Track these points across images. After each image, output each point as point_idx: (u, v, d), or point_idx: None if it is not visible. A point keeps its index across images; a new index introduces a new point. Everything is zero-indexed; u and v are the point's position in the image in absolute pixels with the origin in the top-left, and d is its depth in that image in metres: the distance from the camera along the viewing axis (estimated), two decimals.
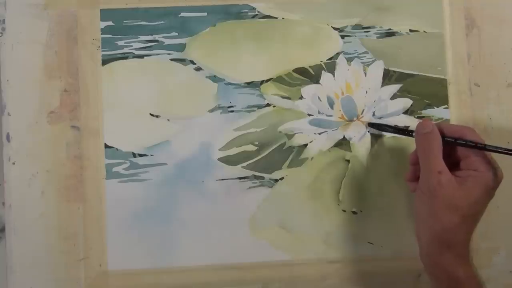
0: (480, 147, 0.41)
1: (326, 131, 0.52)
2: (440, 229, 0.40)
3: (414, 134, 0.45)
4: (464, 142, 0.42)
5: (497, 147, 0.41)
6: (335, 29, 0.53)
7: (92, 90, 0.52)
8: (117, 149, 0.51)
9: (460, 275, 0.40)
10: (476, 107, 0.53)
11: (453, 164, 0.43)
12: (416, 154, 0.44)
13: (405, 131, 0.48)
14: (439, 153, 0.41)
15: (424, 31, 0.54)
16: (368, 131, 0.52)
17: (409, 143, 0.52)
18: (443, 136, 0.42)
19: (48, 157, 0.51)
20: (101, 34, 0.52)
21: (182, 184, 0.51)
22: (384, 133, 0.52)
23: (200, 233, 0.51)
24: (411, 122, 0.53)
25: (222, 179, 0.52)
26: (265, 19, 0.53)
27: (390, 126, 0.50)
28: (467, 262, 0.41)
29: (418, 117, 0.53)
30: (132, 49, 0.52)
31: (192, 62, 0.52)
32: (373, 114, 0.53)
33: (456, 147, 0.43)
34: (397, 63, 0.53)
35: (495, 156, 0.42)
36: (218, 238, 0.51)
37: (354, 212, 0.52)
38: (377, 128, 0.51)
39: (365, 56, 0.53)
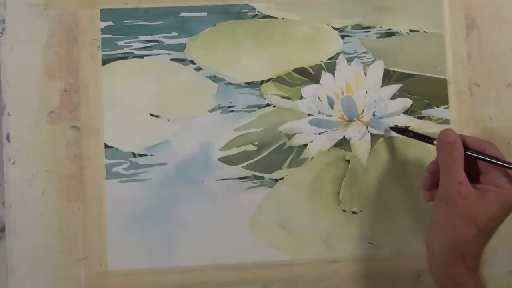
0: (503, 165, 0.41)
1: (326, 131, 0.52)
2: (456, 239, 0.40)
3: (435, 142, 0.44)
4: (487, 158, 0.42)
5: None
6: (335, 29, 0.53)
7: (92, 90, 0.52)
8: (117, 149, 0.51)
9: (470, 287, 0.40)
10: (476, 107, 0.53)
11: (472, 177, 0.42)
12: (435, 163, 0.43)
13: (426, 137, 0.47)
14: (461, 163, 0.41)
15: (424, 31, 0.54)
16: (368, 131, 0.52)
17: (410, 143, 0.52)
18: (465, 148, 0.42)
19: (48, 157, 0.51)
20: (101, 34, 0.52)
21: (182, 184, 0.51)
22: (396, 135, 0.52)
23: (200, 233, 0.51)
24: (411, 122, 0.53)
25: (222, 179, 0.52)
26: (265, 19, 0.53)
27: (411, 131, 0.50)
28: (478, 276, 0.40)
29: (418, 117, 0.53)
30: (132, 49, 0.52)
31: (192, 62, 0.52)
32: (373, 114, 0.53)
33: (476, 161, 0.43)
34: (397, 63, 0.53)
35: None
36: (218, 238, 0.51)
37: (354, 212, 0.52)
38: (398, 132, 0.51)
39: (365, 56, 0.53)
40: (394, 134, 0.52)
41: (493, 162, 0.41)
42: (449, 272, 0.40)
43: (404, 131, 0.50)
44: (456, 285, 0.40)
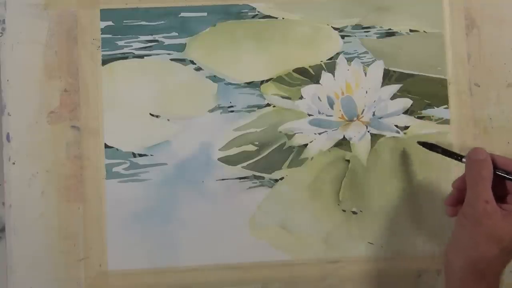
0: None
1: (326, 131, 0.52)
2: (478, 257, 0.40)
3: (463, 159, 0.44)
4: None
5: None
6: (335, 29, 0.53)
7: (92, 90, 0.52)
8: (117, 149, 0.51)
9: None
10: (476, 107, 0.53)
11: (499, 197, 0.42)
12: (462, 180, 0.43)
13: (454, 154, 0.47)
14: (489, 182, 0.41)
15: (424, 31, 0.54)
16: (368, 131, 0.52)
17: (409, 143, 0.52)
18: (494, 167, 0.42)
19: (48, 157, 0.51)
20: (101, 34, 0.52)
21: (182, 184, 0.51)
22: (386, 134, 0.52)
23: (200, 233, 0.51)
24: (411, 122, 0.53)
25: (222, 179, 0.51)
26: (265, 19, 0.53)
27: (440, 147, 0.48)
28: None
29: (418, 117, 0.53)
30: (132, 49, 0.52)
31: (192, 62, 0.52)
32: (373, 114, 0.53)
33: (504, 181, 0.43)
34: (397, 63, 0.53)
35: None
36: (218, 238, 0.51)
37: (354, 212, 0.52)
38: (426, 148, 0.49)
39: (365, 56, 0.53)
40: (394, 134, 0.52)
41: None
42: (468, 287, 0.40)
43: (432, 146, 0.49)
44: None
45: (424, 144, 0.49)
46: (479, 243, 0.40)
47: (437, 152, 0.48)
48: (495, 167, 0.42)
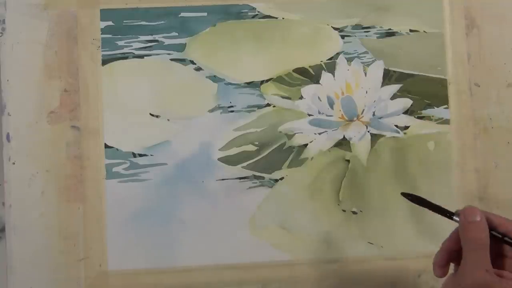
0: None
1: (326, 131, 0.52)
2: None
3: (455, 217, 0.40)
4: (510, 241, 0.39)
5: None
6: (335, 29, 0.53)
7: (92, 90, 0.52)
8: (117, 149, 0.51)
9: None
10: (476, 107, 0.53)
11: (494, 256, 0.40)
12: (453, 241, 0.41)
13: (444, 210, 0.41)
14: (487, 247, 0.38)
15: (424, 31, 0.54)
16: (368, 131, 0.52)
17: (410, 143, 0.52)
18: (490, 229, 0.39)
19: (48, 157, 0.51)
20: (101, 34, 0.52)
21: (182, 184, 0.51)
22: (397, 134, 0.52)
23: (200, 233, 0.51)
24: (411, 122, 0.53)
25: (222, 179, 0.51)
26: (265, 19, 0.53)
27: (427, 202, 0.42)
28: None
29: (418, 117, 0.53)
30: (132, 49, 0.52)
31: (192, 62, 0.52)
32: (373, 114, 0.53)
33: (498, 241, 0.40)
34: (397, 63, 0.53)
35: None
36: (218, 238, 0.51)
37: (354, 212, 0.52)
38: (413, 201, 0.42)
39: (365, 56, 0.53)
40: (394, 134, 0.52)
41: None
42: None
43: (416, 200, 0.42)
44: None
45: (407, 196, 0.42)
46: None
47: (424, 206, 0.42)
48: (491, 228, 0.39)
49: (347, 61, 0.53)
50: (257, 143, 0.52)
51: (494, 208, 0.52)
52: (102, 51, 0.52)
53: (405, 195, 0.42)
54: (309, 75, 0.53)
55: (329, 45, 0.53)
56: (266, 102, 0.52)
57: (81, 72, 0.52)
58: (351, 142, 0.52)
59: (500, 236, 0.39)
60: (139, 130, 0.52)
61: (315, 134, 0.52)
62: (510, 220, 0.40)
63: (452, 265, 0.41)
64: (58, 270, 0.50)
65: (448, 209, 0.41)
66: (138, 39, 0.52)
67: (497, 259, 0.40)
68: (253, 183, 0.52)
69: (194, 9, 0.53)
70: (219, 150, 0.52)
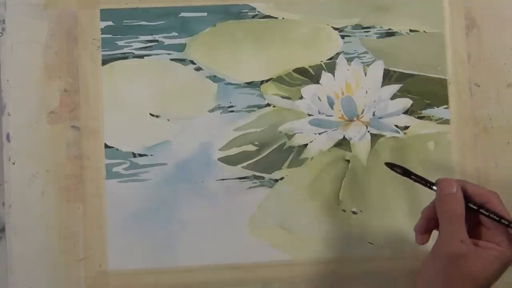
0: (504, 223, 0.39)
1: (326, 131, 0.52)
2: None
3: (434, 187, 0.41)
4: (488, 214, 0.39)
5: None
6: (335, 29, 0.53)
7: (92, 90, 0.52)
8: (117, 149, 0.51)
9: None
10: (476, 107, 0.53)
11: (472, 226, 0.40)
12: (432, 209, 0.41)
13: (425, 180, 0.42)
14: (463, 219, 0.39)
15: (424, 31, 0.54)
16: (368, 131, 0.52)
17: (410, 143, 0.52)
18: (466, 200, 0.40)
19: (48, 157, 0.51)
20: (101, 34, 0.52)
21: (182, 184, 0.51)
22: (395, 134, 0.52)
23: (200, 233, 0.51)
24: (411, 122, 0.53)
25: (222, 179, 0.51)
26: (265, 19, 0.53)
27: (411, 172, 0.43)
28: None
29: (418, 117, 0.53)
30: (132, 49, 0.52)
31: (192, 62, 0.52)
32: (373, 114, 0.53)
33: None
34: (397, 63, 0.53)
35: None
36: (218, 238, 0.51)
37: (354, 212, 0.52)
38: (397, 171, 0.43)
39: (365, 56, 0.53)
40: (394, 134, 0.52)
41: (495, 219, 0.39)
42: None
43: (398, 169, 0.43)
44: None
45: (390, 165, 0.43)
46: (454, 284, 0.38)
47: (408, 177, 0.43)
48: (467, 198, 0.40)
49: (347, 61, 0.53)
50: (257, 143, 0.52)
51: None
52: (102, 51, 0.52)
53: (388, 165, 0.43)
54: (309, 75, 0.53)
55: (329, 45, 0.53)
56: (266, 102, 0.52)
57: (81, 72, 0.52)
58: (351, 142, 0.52)
59: (475, 208, 0.39)
60: (139, 130, 0.52)
61: (315, 134, 0.52)
62: (487, 190, 0.40)
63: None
64: (58, 270, 0.50)
65: (430, 180, 0.41)
66: (138, 39, 0.52)
67: (474, 229, 0.40)
68: (253, 183, 0.52)
69: (194, 9, 0.53)
70: (219, 150, 0.52)
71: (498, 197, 0.40)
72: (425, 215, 0.43)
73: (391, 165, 0.43)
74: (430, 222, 0.42)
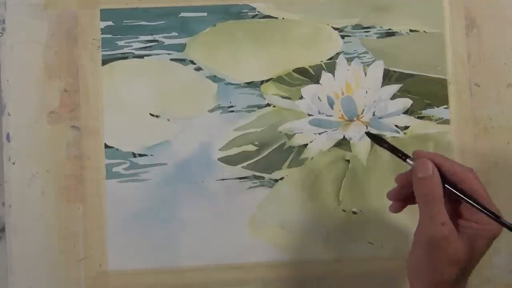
0: (477, 207, 0.38)
1: (326, 131, 0.52)
2: (440, 281, 0.38)
3: (408, 160, 0.41)
4: (462, 196, 0.38)
5: (497, 217, 0.38)
6: (335, 29, 0.53)
7: (92, 90, 0.52)
8: (117, 149, 0.51)
9: None
10: (476, 107, 0.53)
11: (452, 203, 0.40)
12: (406, 176, 0.41)
13: (400, 152, 0.42)
14: (441, 200, 0.38)
15: (424, 31, 0.54)
16: (368, 131, 0.52)
17: (410, 143, 0.52)
18: (443, 180, 0.39)
19: (48, 157, 0.51)
20: (101, 34, 0.52)
21: (182, 184, 0.51)
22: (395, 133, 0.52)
23: (200, 233, 0.51)
24: (411, 122, 0.53)
25: (222, 179, 0.51)
26: (265, 19, 0.53)
27: (387, 143, 0.43)
28: None
29: (418, 117, 0.53)
30: (132, 49, 0.52)
31: (192, 62, 0.52)
32: (373, 114, 0.53)
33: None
34: (397, 63, 0.53)
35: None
36: (218, 238, 0.51)
37: (354, 212, 0.52)
38: (375, 141, 0.44)
39: (365, 56, 0.53)
40: (394, 134, 0.52)
41: (468, 202, 0.38)
42: None
43: (379, 140, 0.44)
44: None
45: (372, 137, 0.45)
46: (439, 267, 0.38)
47: (383, 147, 0.43)
48: (444, 178, 0.39)
49: (347, 61, 0.53)
50: (257, 143, 0.52)
51: None
52: (102, 51, 0.52)
53: (367, 134, 0.45)
54: (309, 75, 0.53)
55: (329, 45, 0.53)
56: (266, 102, 0.52)
57: (81, 72, 0.52)
58: (351, 142, 0.52)
59: (451, 189, 0.38)
60: (139, 130, 0.52)
61: (315, 134, 0.52)
62: (463, 168, 0.39)
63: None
64: (58, 270, 0.50)
65: (406, 153, 0.41)
66: (138, 39, 0.52)
67: (455, 207, 0.40)
68: (253, 183, 0.52)
69: (194, 9, 0.53)
70: (219, 150, 0.52)
71: (474, 174, 0.39)
72: (399, 182, 0.42)
73: (368, 134, 0.45)
74: (403, 190, 0.41)
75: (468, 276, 0.39)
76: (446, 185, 0.38)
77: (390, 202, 0.44)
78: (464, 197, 0.38)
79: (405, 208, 0.52)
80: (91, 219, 0.51)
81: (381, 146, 0.43)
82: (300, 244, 0.51)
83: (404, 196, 0.41)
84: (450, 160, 0.40)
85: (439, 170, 0.39)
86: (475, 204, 0.38)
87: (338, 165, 0.52)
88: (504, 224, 0.37)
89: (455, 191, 0.39)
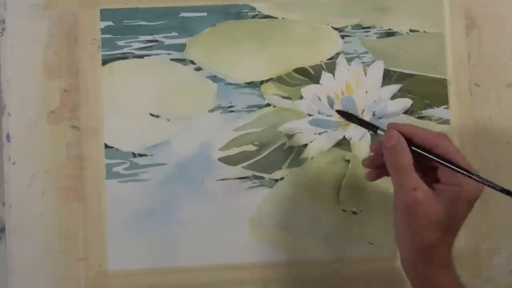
0: (451, 167, 0.38)
1: (326, 131, 0.52)
2: (422, 246, 0.39)
3: (378, 131, 0.42)
4: (434, 158, 0.39)
5: (468, 171, 0.38)
6: (335, 29, 0.53)
7: (92, 90, 0.52)
8: (117, 149, 0.51)
9: (445, 284, 0.38)
10: (476, 107, 0.53)
11: (430, 169, 0.40)
12: (380, 145, 0.41)
13: (370, 125, 0.43)
14: (410, 167, 0.38)
15: (424, 31, 0.54)
16: (369, 131, 0.52)
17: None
18: (412, 145, 0.39)
19: (48, 157, 0.51)
20: (101, 34, 0.52)
21: (182, 184, 0.51)
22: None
23: (200, 233, 0.51)
24: (411, 122, 0.52)
25: (222, 179, 0.52)
26: (265, 19, 0.53)
27: (356, 118, 0.46)
28: (451, 271, 0.39)
29: (418, 117, 0.53)
30: (132, 49, 0.52)
31: (192, 62, 0.52)
32: (373, 114, 0.53)
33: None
34: (397, 63, 0.53)
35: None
36: (218, 238, 0.51)
37: (354, 212, 0.52)
38: (345, 117, 0.48)
39: (365, 56, 0.53)
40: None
41: (441, 163, 0.39)
42: (420, 274, 0.39)
43: (349, 116, 0.47)
44: (429, 284, 0.39)
45: (342, 113, 0.47)
46: (419, 233, 0.38)
47: (354, 122, 0.46)
48: (413, 145, 0.39)
49: (347, 61, 0.53)
50: (257, 143, 0.52)
51: (494, 208, 0.52)
52: (102, 51, 0.52)
53: (338, 112, 0.48)
54: (309, 75, 0.53)
55: (329, 45, 0.53)
56: (266, 102, 0.52)
57: (81, 72, 0.52)
58: (351, 142, 0.52)
59: (421, 152, 0.39)
60: (139, 130, 0.52)
61: (315, 134, 0.52)
62: (436, 134, 0.40)
63: None
64: (58, 270, 0.50)
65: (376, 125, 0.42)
66: (138, 39, 0.52)
67: (433, 172, 0.40)
68: (253, 183, 0.52)
69: (194, 9, 0.53)
70: (219, 150, 0.52)
71: (447, 138, 0.40)
72: (373, 150, 0.43)
73: (339, 111, 0.48)
74: (378, 158, 0.42)
75: (452, 240, 0.39)
76: (413, 148, 0.39)
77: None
78: (438, 160, 0.39)
79: None
80: (91, 219, 0.51)
81: (352, 122, 0.46)
82: (300, 244, 0.51)
83: (378, 163, 0.42)
84: (422, 129, 0.40)
85: (412, 139, 0.40)
86: (448, 165, 0.38)
87: (338, 165, 0.52)
88: (478, 180, 0.38)
89: (426, 154, 0.39)
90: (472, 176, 0.38)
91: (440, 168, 0.40)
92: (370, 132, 0.45)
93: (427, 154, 0.39)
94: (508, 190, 0.37)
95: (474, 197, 0.39)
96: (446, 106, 0.53)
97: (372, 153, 0.43)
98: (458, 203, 0.38)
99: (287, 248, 0.51)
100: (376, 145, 0.42)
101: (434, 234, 0.38)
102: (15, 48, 0.51)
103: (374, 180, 0.44)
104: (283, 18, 0.53)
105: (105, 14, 0.52)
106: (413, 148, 0.39)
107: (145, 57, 0.52)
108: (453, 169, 0.38)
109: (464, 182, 0.38)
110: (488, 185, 0.38)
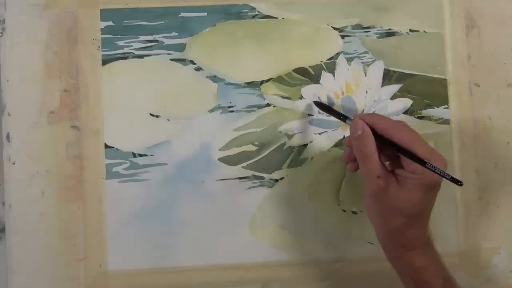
0: (404, 154, 0.40)
1: (326, 131, 0.52)
2: (391, 230, 0.41)
3: (348, 121, 0.45)
4: (394, 146, 0.41)
5: (420, 159, 0.39)
6: (335, 29, 0.53)
7: (92, 90, 0.52)
8: (117, 149, 0.51)
9: (417, 266, 0.41)
10: (476, 107, 0.53)
11: (395, 158, 0.42)
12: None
13: (341, 115, 0.47)
14: (375, 156, 0.41)
15: (424, 31, 0.54)
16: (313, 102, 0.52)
17: None
18: (376, 134, 0.41)
19: (48, 157, 0.51)
20: (101, 34, 0.52)
21: (182, 184, 0.51)
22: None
23: (200, 233, 0.51)
24: (411, 122, 0.53)
25: (222, 179, 0.51)
26: (265, 19, 0.53)
27: (329, 107, 0.50)
28: (424, 252, 0.41)
29: (418, 117, 0.53)
30: (132, 49, 0.52)
31: (192, 62, 0.52)
32: None
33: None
34: (397, 63, 0.53)
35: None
36: (218, 238, 0.51)
37: (354, 212, 0.52)
38: (320, 108, 0.51)
39: (365, 56, 0.53)
40: None
41: (398, 150, 0.40)
42: (394, 256, 0.42)
43: (323, 106, 0.50)
44: (404, 266, 0.42)
45: (318, 104, 0.51)
46: (385, 218, 0.41)
47: (330, 113, 0.49)
48: (377, 134, 0.41)
49: (347, 61, 0.53)
50: (257, 143, 0.52)
51: (494, 208, 0.52)
52: (102, 51, 0.52)
53: (314, 102, 0.51)
54: (309, 75, 0.53)
55: (329, 45, 0.53)
56: (266, 102, 0.52)
57: (81, 72, 0.52)
58: None
59: (382, 141, 0.41)
60: (139, 130, 0.52)
61: (315, 134, 0.52)
62: (394, 122, 0.42)
63: None
64: (58, 270, 0.50)
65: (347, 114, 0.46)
66: (138, 39, 0.52)
67: (397, 161, 0.42)
68: (253, 183, 0.52)
69: (194, 9, 0.53)
70: (219, 150, 0.52)
71: (405, 125, 0.42)
72: (348, 144, 0.46)
73: (315, 102, 0.51)
74: (352, 150, 0.44)
75: (421, 223, 0.41)
76: (378, 138, 0.41)
77: None
78: (396, 148, 0.41)
79: None
80: (91, 219, 0.51)
81: (326, 112, 0.50)
82: (300, 244, 0.51)
83: (354, 156, 0.44)
84: (384, 118, 0.43)
85: (374, 128, 0.42)
86: (404, 152, 0.40)
87: (338, 165, 0.52)
88: (429, 168, 0.39)
89: (385, 142, 0.41)
90: (426, 166, 0.39)
91: (402, 157, 0.41)
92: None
93: (386, 143, 0.41)
94: (457, 179, 0.39)
95: (434, 183, 0.40)
96: (446, 106, 0.53)
97: (349, 148, 0.46)
98: (420, 189, 0.40)
99: (287, 248, 0.51)
100: (349, 140, 0.45)
101: (398, 219, 0.40)
102: (15, 48, 0.51)
103: (354, 172, 0.46)
104: (283, 18, 0.53)
105: (105, 14, 0.52)
106: (377, 137, 0.41)
107: (145, 57, 0.52)
108: (408, 156, 0.40)
109: (418, 170, 0.40)
110: (439, 174, 0.39)
